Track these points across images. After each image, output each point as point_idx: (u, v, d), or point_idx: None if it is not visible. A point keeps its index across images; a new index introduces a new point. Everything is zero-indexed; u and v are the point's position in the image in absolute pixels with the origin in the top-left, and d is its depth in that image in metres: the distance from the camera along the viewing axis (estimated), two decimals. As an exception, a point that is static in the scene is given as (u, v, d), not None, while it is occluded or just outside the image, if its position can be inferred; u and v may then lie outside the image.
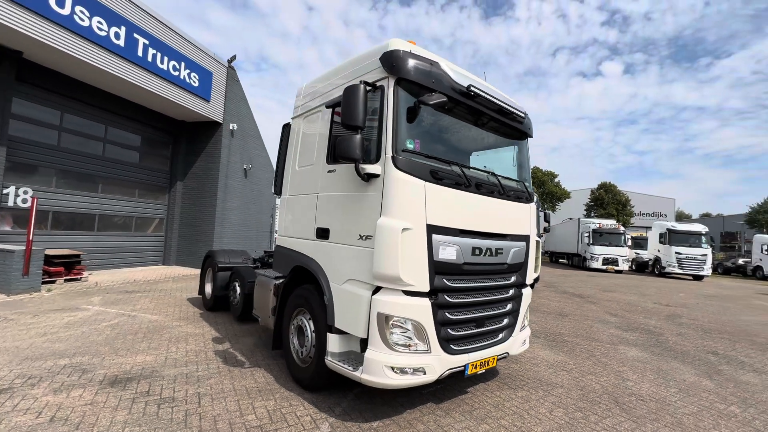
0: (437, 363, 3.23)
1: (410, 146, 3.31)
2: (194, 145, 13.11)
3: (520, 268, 4.15)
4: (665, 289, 16.19)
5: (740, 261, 33.22)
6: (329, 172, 3.88)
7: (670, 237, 24.05)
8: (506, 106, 3.98)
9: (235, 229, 13.65)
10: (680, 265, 23.44)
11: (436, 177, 3.32)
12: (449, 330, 3.38)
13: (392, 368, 3.05)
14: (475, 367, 3.56)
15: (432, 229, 3.22)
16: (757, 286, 21.72)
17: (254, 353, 4.88)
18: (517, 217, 4.12)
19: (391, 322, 3.08)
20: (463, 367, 3.45)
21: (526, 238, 4.21)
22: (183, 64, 10.90)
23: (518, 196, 4.19)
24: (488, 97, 3.76)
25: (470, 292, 3.57)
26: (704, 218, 68.56)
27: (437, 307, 3.27)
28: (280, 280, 4.68)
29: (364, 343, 3.31)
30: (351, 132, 3.18)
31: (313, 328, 3.81)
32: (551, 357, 5.52)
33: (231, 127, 13.06)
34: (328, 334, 3.48)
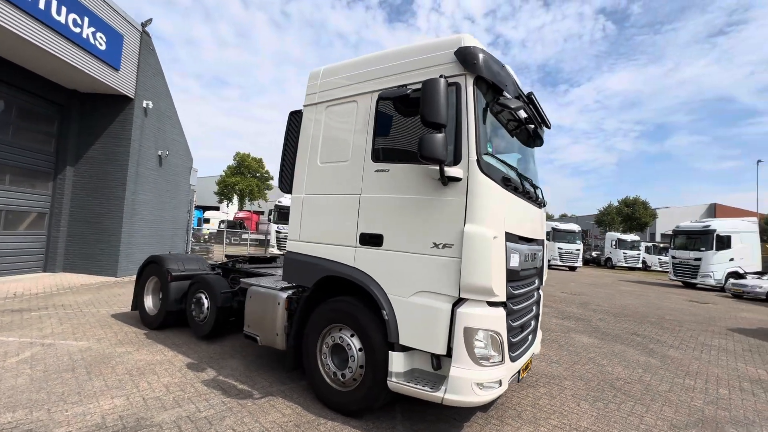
0: (506, 372, 3.17)
1: (489, 149, 3.17)
2: (92, 123, 10.56)
3: (542, 271, 4.36)
4: (560, 280, 19.05)
5: (593, 254, 41.09)
6: (377, 171, 3.48)
7: (554, 235, 28.44)
8: (544, 114, 4.12)
9: (147, 227, 11.46)
10: (561, 258, 27.96)
11: (506, 182, 3.25)
12: (510, 337, 3.35)
13: (478, 384, 2.89)
14: (522, 371, 3.61)
15: (507, 237, 3.14)
16: (615, 274, 27.11)
17: (254, 378, 4.13)
18: (540, 222, 4.32)
19: (476, 336, 2.90)
20: (517, 373, 3.47)
21: (543, 243, 4.43)
22: (87, 20, 8.65)
23: (540, 202, 4.38)
24: (538, 104, 3.84)
25: (521, 298, 3.60)
26: (562, 218, 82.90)
27: (507, 316, 3.20)
28: (291, 291, 4.07)
29: (437, 360, 3.07)
30: (433, 130, 2.89)
31: (359, 346, 3.38)
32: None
33: (145, 105, 10.89)
34: (391, 352, 3.13)
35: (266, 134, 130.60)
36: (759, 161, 38.86)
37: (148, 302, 5.97)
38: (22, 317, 6.02)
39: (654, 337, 7.56)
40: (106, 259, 10.28)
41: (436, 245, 3.06)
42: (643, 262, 35.98)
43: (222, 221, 40.07)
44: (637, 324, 8.79)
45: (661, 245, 37.52)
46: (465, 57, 3.10)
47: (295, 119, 4.36)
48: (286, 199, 22.15)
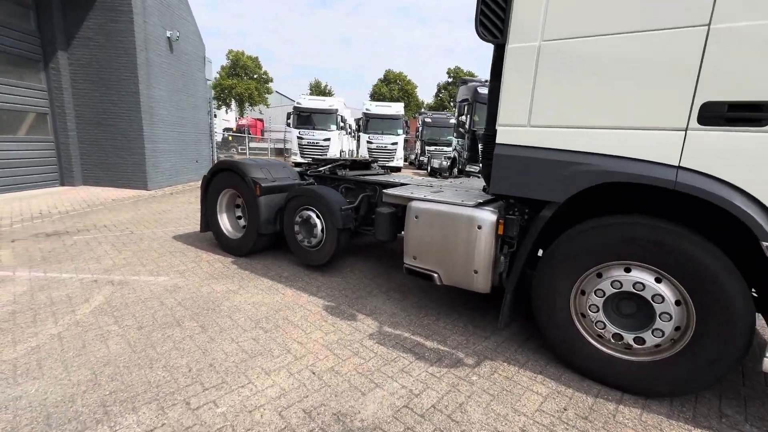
0: None
1: None
2: (77, -12, 7.92)
3: None
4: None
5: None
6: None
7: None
8: None
9: (168, 130, 9.59)
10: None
11: None
12: None
13: None
14: None
15: None
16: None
17: (433, 329, 2.92)
18: None
19: None
20: None
21: None
22: None
23: None
24: None
25: None
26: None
27: None
28: (494, 207, 2.62)
29: None
30: None
31: (675, 299, 2.04)
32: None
33: (141, -38, 8.10)
34: (781, 315, 1.79)
35: (249, 34, 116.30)
36: None
37: (225, 222, 4.58)
38: (63, 243, 4.69)
39: None
40: (131, 169, 8.68)
41: None
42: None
43: (225, 129, 37.31)
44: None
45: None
46: None
47: None
48: (306, 100, 19.57)
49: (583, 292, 2.32)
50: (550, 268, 2.39)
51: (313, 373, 2.31)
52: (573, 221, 2.40)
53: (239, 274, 3.89)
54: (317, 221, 3.83)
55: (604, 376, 2.30)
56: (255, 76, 47.41)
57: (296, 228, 4.00)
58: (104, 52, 8.14)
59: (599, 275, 2.25)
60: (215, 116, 48.73)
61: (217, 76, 46.02)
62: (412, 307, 3.31)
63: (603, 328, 2.25)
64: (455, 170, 12.88)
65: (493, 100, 2.62)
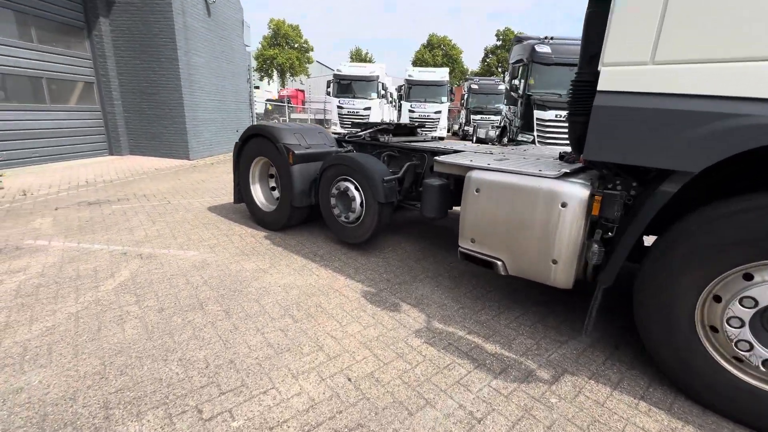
0: None
1: None
2: (114, -52, 7.68)
3: None
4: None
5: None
6: None
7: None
8: None
9: (209, 99, 9.44)
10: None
11: None
12: None
13: None
14: None
15: None
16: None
17: (493, 327, 2.40)
18: None
19: None
20: None
21: None
22: None
23: None
24: None
25: None
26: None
27: None
28: (583, 180, 1.98)
29: None
30: None
31: None
32: None
33: None
34: None
35: (296, 3, 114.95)
36: None
37: (258, 193, 4.24)
38: (102, 212, 4.61)
39: None
40: (174, 139, 8.66)
41: None
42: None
43: (268, 100, 37.55)
44: None
45: None
46: None
47: None
48: (346, 67, 18.83)
49: (717, 299, 1.67)
50: (669, 261, 1.75)
51: (349, 380, 1.90)
52: (685, 201, 1.75)
53: (271, 251, 3.55)
54: (356, 194, 3.36)
55: (739, 413, 1.68)
56: (296, 45, 46.96)
57: (332, 201, 3.56)
58: (142, 17, 7.95)
59: (748, 277, 1.59)
60: (257, 87, 49.36)
61: (259, 46, 46.08)
62: (467, 297, 2.80)
63: (748, 350, 1.61)
64: (505, 140, 11.80)
65: (592, 33, 1.93)
